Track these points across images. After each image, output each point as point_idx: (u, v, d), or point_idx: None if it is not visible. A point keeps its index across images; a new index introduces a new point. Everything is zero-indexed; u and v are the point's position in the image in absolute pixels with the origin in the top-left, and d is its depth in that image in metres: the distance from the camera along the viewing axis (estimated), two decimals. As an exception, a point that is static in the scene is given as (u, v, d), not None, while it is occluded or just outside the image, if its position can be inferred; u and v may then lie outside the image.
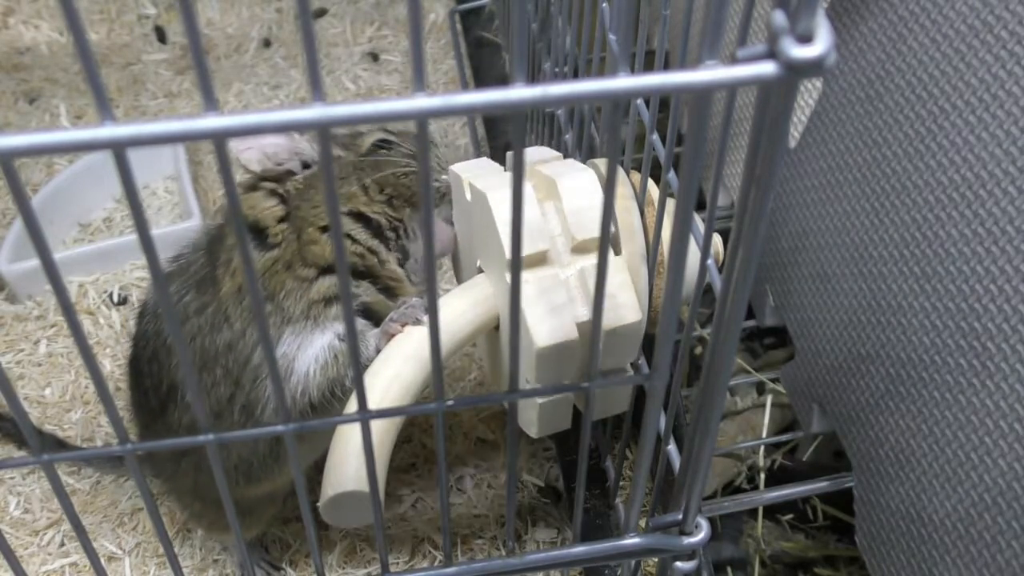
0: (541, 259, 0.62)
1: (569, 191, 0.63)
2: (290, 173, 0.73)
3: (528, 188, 0.65)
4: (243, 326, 0.70)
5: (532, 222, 0.62)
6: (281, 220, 0.72)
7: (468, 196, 0.68)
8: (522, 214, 0.37)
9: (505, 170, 0.69)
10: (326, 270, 0.71)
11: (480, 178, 0.67)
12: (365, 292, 0.73)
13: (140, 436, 0.82)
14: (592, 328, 0.44)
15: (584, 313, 0.62)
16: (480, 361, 1.05)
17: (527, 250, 0.61)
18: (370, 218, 0.73)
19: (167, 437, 0.75)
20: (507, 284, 0.63)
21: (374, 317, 0.72)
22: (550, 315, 0.61)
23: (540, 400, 0.66)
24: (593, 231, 0.62)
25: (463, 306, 0.67)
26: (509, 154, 0.71)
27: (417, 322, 0.66)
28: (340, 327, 0.71)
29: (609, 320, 0.61)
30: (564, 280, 0.62)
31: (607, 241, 0.40)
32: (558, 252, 0.63)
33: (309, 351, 0.71)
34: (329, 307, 0.71)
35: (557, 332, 0.61)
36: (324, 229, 0.71)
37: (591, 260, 0.63)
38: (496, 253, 0.64)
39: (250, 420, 0.72)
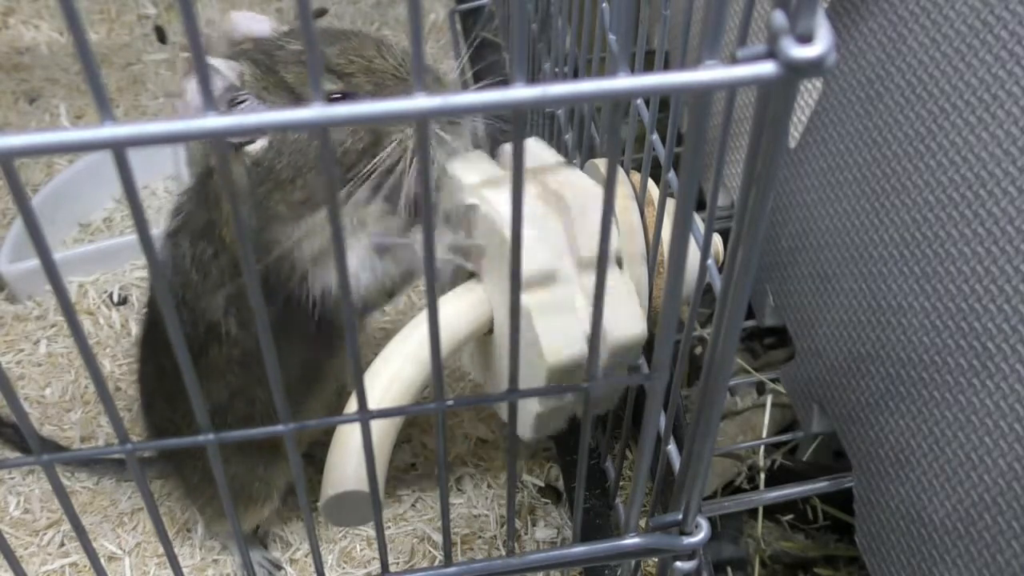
0: (551, 277, 0.62)
1: (579, 207, 0.63)
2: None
3: (533, 200, 0.64)
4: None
5: (539, 242, 0.62)
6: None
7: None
8: (521, 215, 0.37)
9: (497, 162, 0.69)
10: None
11: (475, 182, 0.66)
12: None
13: (165, 399, 0.82)
14: (592, 328, 0.44)
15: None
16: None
17: (538, 265, 0.61)
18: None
19: (213, 379, 0.76)
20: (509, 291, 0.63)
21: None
22: (561, 331, 0.61)
23: (538, 409, 0.66)
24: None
25: (461, 307, 0.67)
26: (506, 148, 0.71)
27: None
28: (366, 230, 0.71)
29: (614, 334, 0.61)
30: (574, 298, 0.62)
31: (607, 240, 0.40)
32: (566, 269, 0.63)
33: (352, 259, 0.71)
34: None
35: (569, 348, 0.61)
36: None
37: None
38: (500, 259, 0.64)
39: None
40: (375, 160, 0.67)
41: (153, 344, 0.84)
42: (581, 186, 0.65)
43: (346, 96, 0.67)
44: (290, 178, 0.68)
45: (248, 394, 0.78)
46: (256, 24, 0.72)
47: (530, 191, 0.66)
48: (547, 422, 0.67)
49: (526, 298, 0.60)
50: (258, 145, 0.67)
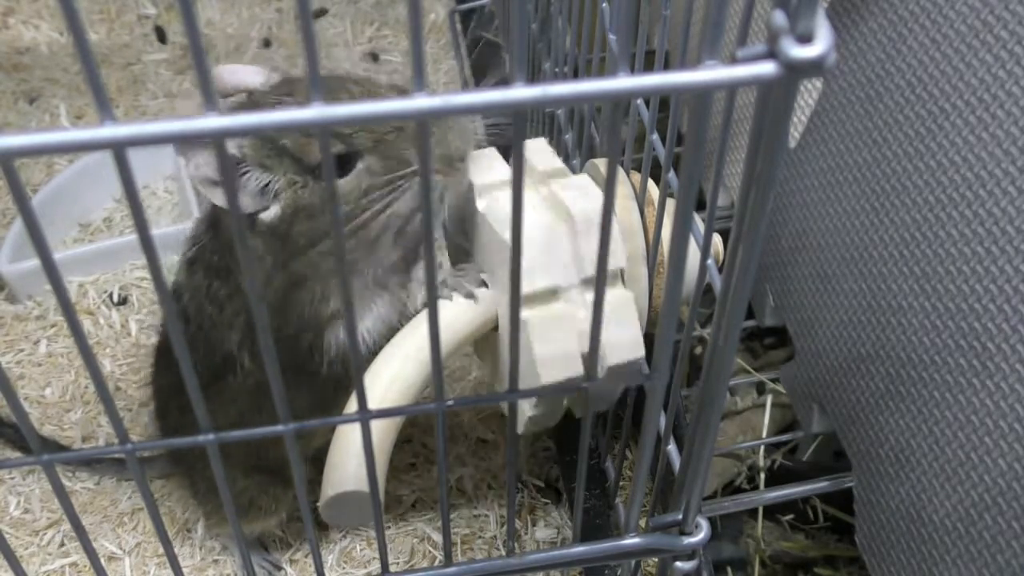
0: (554, 293, 0.62)
1: (584, 222, 0.62)
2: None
3: (541, 206, 0.64)
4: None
5: (544, 258, 0.61)
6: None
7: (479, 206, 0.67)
8: (522, 216, 0.37)
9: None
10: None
11: (483, 184, 0.66)
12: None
13: (180, 417, 0.83)
14: (592, 327, 0.44)
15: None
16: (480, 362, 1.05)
17: (538, 284, 0.61)
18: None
19: (225, 402, 0.76)
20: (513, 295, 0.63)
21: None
22: (558, 351, 0.61)
23: (530, 412, 0.66)
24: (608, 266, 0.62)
25: (462, 306, 0.67)
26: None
27: (468, 295, 0.66)
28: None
29: (612, 358, 0.61)
30: (575, 315, 0.62)
31: (607, 240, 0.40)
32: (570, 285, 0.62)
33: (367, 318, 0.71)
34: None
35: (564, 370, 0.61)
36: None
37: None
38: (501, 263, 0.64)
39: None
40: (388, 199, 0.66)
41: (171, 355, 0.84)
42: (589, 199, 0.64)
43: (348, 155, 0.64)
44: (308, 244, 0.67)
45: (255, 420, 0.78)
46: (248, 76, 0.69)
47: (540, 193, 0.65)
48: (539, 422, 0.68)
49: (527, 313, 0.61)
50: (271, 213, 0.66)
